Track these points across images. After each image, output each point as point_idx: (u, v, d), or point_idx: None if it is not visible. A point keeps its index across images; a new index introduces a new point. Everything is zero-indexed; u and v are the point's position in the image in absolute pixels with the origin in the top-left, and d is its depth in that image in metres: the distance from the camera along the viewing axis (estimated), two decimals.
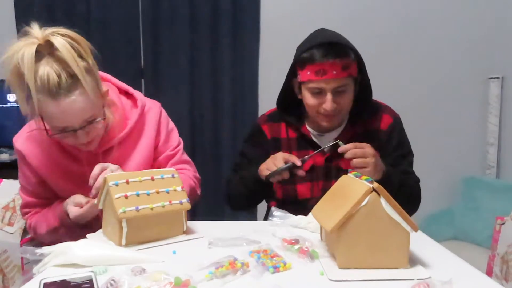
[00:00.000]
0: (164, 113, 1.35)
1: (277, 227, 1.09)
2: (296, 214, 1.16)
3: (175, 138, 1.36)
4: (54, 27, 1.03)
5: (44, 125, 1.08)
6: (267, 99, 2.76)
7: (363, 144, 1.19)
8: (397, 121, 1.40)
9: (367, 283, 0.79)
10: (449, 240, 2.58)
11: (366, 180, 0.87)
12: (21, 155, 1.21)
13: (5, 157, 2.57)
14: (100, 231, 1.04)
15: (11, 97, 2.69)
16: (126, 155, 1.23)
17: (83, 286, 0.74)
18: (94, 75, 1.07)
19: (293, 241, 0.94)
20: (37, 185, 1.22)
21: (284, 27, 2.78)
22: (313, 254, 0.88)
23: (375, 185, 0.82)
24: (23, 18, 2.70)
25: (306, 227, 1.09)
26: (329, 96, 1.24)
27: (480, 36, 2.82)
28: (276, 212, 1.16)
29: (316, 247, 0.92)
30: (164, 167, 1.28)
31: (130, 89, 1.30)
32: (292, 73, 1.33)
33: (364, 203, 0.81)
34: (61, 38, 1.01)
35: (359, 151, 1.18)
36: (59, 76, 0.99)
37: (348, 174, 0.98)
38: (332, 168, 1.36)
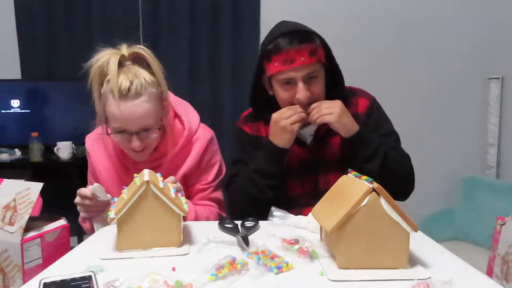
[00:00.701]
0: (211, 146, 1.38)
1: (277, 227, 1.09)
2: (289, 212, 1.14)
3: (213, 174, 1.37)
4: (135, 45, 1.22)
5: (106, 125, 1.20)
6: None
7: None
8: (374, 103, 1.36)
9: (367, 283, 0.79)
10: (449, 240, 2.59)
11: (366, 180, 0.87)
12: (88, 153, 1.37)
13: (5, 157, 2.57)
14: None
15: (15, 103, 2.70)
16: (166, 176, 1.24)
17: (83, 286, 0.74)
18: (161, 91, 1.21)
19: (293, 241, 0.94)
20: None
21: None
22: (313, 254, 0.88)
23: (375, 185, 0.82)
24: (23, 18, 2.70)
25: (305, 227, 1.09)
26: (300, 85, 1.21)
27: (480, 36, 2.82)
28: (276, 212, 1.15)
29: (316, 247, 0.92)
30: (192, 197, 1.34)
31: (183, 115, 1.34)
32: (260, 70, 1.30)
33: (364, 203, 0.81)
34: (141, 53, 1.19)
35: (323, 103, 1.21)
36: (131, 82, 1.14)
37: (348, 174, 0.98)
38: (318, 162, 1.32)
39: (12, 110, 2.69)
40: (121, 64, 1.17)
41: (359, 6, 2.77)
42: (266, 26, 2.76)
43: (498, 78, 2.77)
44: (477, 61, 2.84)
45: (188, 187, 1.34)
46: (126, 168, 1.33)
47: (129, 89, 1.13)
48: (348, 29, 2.75)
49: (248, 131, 1.41)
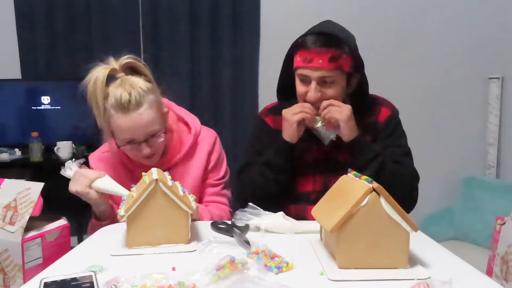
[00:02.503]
0: (218, 144, 1.43)
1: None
2: (296, 209, 1.14)
3: (223, 170, 1.42)
4: (123, 56, 1.24)
5: (114, 139, 1.24)
6: (267, 99, 2.76)
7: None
8: (395, 114, 1.39)
9: (367, 283, 0.79)
10: (449, 240, 2.59)
11: (366, 180, 0.87)
12: (91, 167, 1.35)
13: (5, 157, 2.57)
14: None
15: (15, 103, 2.69)
16: (180, 177, 1.29)
17: (83, 285, 0.74)
18: (157, 95, 1.26)
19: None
20: None
21: (284, 26, 2.78)
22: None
23: (375, 185, 0.82)
24: (23, 18, 2.70)
25: (266, 227, 1.07)
26: (312, 85, 1.24)
27: (480, 36, 2.82)
28: (242, 212, 1.12)
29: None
30: (205, 191, 1.38)
31: (186, 117, 1.40)
32: (290, 60, 1.32)
33: (364, 203, 0.81)
34: (130, 63, 1.23)
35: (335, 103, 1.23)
36: (129, 94, 1.17)
37: (348, 174, 0.98)
38: (331, 162, 1.34)
39: (12, 110, 2.69)
40: (114, 78, 1.21)
41: (359, 6, 2.77)
42: (266, 26, 2.77)
43: (498, 78, 2.77)
44: (477, 61, 2.84)
45: (201, 186, 1.37)
46: (136, 178, 1.31)
47: (129, 101, 1.17)
48: (348, 28, 2.75)
49: (269, 123, 1.43)
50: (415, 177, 1.35)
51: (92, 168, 1.34)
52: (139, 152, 1.24)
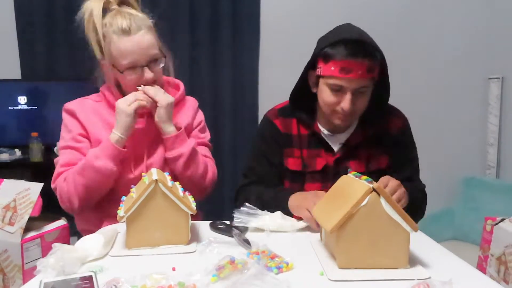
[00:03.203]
0: (200, 110, 1.49)
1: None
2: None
3: (208, 135, 1.48)
4: None
5: (115, 67, 1.26)
6: (267, 99, 2.77)
7: (386, 181, 1.08)
8: (406, 124, 1.38)
9: (367, 283, 0.79)
10: (449, 240, 2.59)
11: (366, 180, 0.87)
12: (70, 112, 1.35)
13: (5, 157, 2.57)
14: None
15: (15, 103, 2.69)
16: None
17: (83, 286, 0.74)
18: (153, 27, 1.30)
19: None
20: (80, 137, 1.31)
21: (284, 26, 2.78)
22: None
23: (375, 185, 0.82)
24: (23, 18, 2.70)
25: (264, 226, 1.08)
26: (348, 96, 1.19)
27: (480, 36, 2.82)
28: (241, 212, 1.13)
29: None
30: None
31: (172, 80, 1.45)
32: (311, 65, 1.28)
33: (364, 203, 0.81)
34: None
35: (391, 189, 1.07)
36: (129, 19, 1.23)
37: (348, 174, 0.98)
38: (341, 170, 1.31)
39: (12, 110, 2.69)
40: (108, 10, 1.26)
41: (359, 6, 2.77)
42: (266, 26, 2.77)
43: (498, 78, 2.77)
44: (477, 61, 2.84)
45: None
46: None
47: (130, 24, 1.22)
48: None
49: (279, 127, 1.38)
50: (424, 196, 1.37)
51: (69, 116, 1.34)
52: (141, 77, 1.26)
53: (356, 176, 0.93)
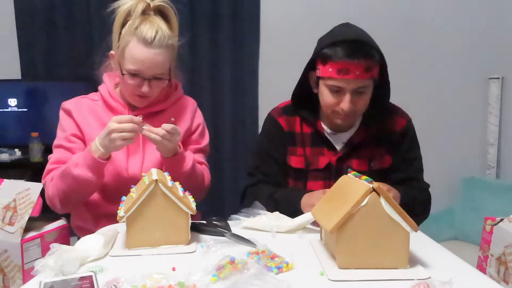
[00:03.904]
0: (199, 111, 1.47)
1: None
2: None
3: (206, 140, 1.46)
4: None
5: (120, 66, 1.26)
6: (267, 98, 2.77)
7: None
8: (410, 124, 1.38)
9: (367, 283, 0.79)
10: (449, 240, 2.58)
11: (366, 180, 0.87)
12: (66, 111, 1.35)
13: (5, 157, 2.57)
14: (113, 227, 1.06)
15: (15, 103, 2.69)
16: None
17: (83, 286, 0.74)
18: (175, 47, 1.31)
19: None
20: (73, 137, 1.31)
21: (284, 26, 2.78)
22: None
23: (375, 185, 0.82)
24: (23, 18, 2.70)
25: (263, 227, 1.08)
26: (347, 97, 1.20)
27: (480, 36, 2.82)
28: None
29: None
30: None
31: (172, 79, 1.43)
32: (311, 66, 1.29)
33: (364, 203, 0.81)
34: (163, 6, 1.28)
35: None
36: (156, 32, 1.22)
37: (348, 174, 0.98)
38: (343, 168, 1.31)
39: (11, 110, 2.69)
40: (144, 13, 1.25)
41: (359, 6, 2.77)
42: (266, 26, 2.77)
43: (498, 78, 2.77)
44: (477, 61, 2.84)
45: (186, 145, 1.39)
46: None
47: (154, 37, 1.21)
48: None
49: (283, 125, 1.38)
50: (428, 196, 1.37)
51: (65, 115, 1.34)
52: (138, 87, 1.25)
53: (356, 176, 0.93)
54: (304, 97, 1.35)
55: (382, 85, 1.29)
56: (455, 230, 2.62)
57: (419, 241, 0.97)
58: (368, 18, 2.77)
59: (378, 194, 0.82)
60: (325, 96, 1.25)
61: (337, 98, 1.22)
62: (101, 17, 2.70)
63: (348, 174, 0.97)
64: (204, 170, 1.39)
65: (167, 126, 1.17)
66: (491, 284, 0.80)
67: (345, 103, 1.21)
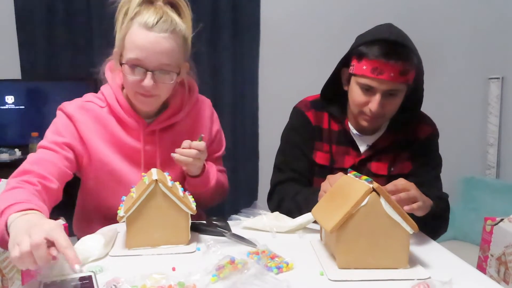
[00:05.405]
0: (215, 113, 1.38)
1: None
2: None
3: (223, 146, 1.38)
4: None
5: (121, 57, 1.12)
6: (267, 98, 2.77)
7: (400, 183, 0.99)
8: (435, 132, 1.36)
9: (367, 283, 0.79)
10: (449, 240, 2.58)
11: (366, 180, 0.87)
12: (69, 116, 1.16)
13: (5, 157, 2.57)
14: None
15: (14, 103, 2.69)
16: (182, 138, 1.17)
17: (83, 286, 0.74)
18: (187, 40, 1.16)
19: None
20: (66, 147, 1.13)
21: (284, 26, 2.78)
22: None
23: (375, 185, 0.82)
24: (23, 18, 2.70)
25: (263, 227, 1.08)
26: (377, 97, 1.16)
27: (480, 36, 2.82)
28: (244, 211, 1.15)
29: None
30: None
31: (186, 79, 1.30)
32: (345, 62, 1.25)
33: (364, 203, 0.81)
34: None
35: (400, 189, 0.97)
36: (160, 17, 1.07)
37: (348, 174, 0.98)
38: (363, 171, 1.28)
39: (12, 110, 2.69)
40: (151, 2, 1.11)
41: (358, 6, 2.77)
42: (266, 27, 2.77)
43: (498, 78, 2.77)
44: (477, 61, 2.84)
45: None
46: (129, 129, 1.19)
47: (157, 22, 1.07)
48: (347, 29, 2.74)
49: (311, 119, 1.34)
50: (447, 205, 1.34)
51: (66, 119, 1.15)
52: (140, 81, 1.09)
53: (356, 176, 0.93)
54: (332, 94, 1.32)
55: (414, 92, 1.26)
56: (455, 230, 2.62)
57: (419, 241, 0.97)
58: (368, 18, 2.77)
59: (378, 194, 0.82)
60: (355, 94, 1.21)
61: (367, 98, 1.19)
62: (102, 16, 2.71)
63: (348, 174, 0.97)
64: (223, 177, 1.34)
65: (199, 145, 1.09)
66: (491, 284, 0.80)
67: (373, 104, 1.17)
